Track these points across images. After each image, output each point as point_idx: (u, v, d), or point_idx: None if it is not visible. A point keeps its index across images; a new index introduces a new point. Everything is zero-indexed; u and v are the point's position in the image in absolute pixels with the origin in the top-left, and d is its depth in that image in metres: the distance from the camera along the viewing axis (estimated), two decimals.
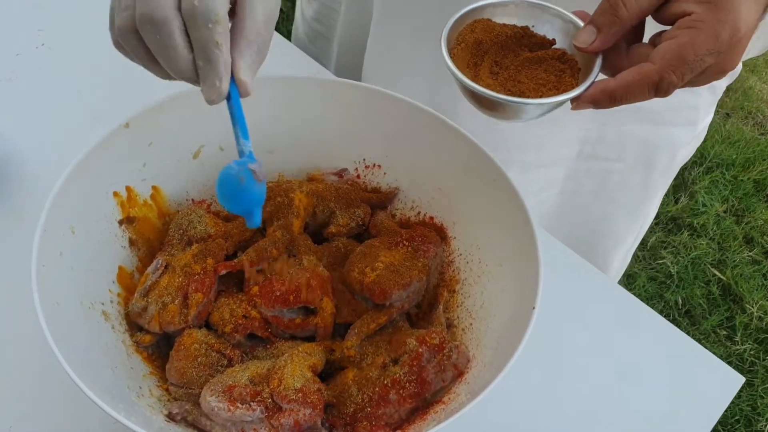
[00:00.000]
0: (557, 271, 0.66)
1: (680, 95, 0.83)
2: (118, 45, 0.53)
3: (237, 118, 0.53)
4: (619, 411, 0.72)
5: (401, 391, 0.60)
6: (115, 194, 0.68)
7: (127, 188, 0.68)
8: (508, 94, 0.55)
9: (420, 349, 0.62)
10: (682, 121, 0.88)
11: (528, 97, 0.55)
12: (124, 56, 0.54)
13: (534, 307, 0.58)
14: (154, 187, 0.71)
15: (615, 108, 0.79)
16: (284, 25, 2.26)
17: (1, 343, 0.69)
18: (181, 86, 0.70)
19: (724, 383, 0.75)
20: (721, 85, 0.88)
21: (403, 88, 0.74)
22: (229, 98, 0.52)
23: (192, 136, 0.72)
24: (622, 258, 1.04)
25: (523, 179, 0.88)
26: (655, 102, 0.83)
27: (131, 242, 0.68)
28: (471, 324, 0.66)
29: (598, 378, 0.74)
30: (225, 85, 0.50)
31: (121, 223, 0.68)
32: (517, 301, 0.62)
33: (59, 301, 0.58)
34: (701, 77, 0.53)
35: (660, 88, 0.51)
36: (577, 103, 0.54)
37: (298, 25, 1.07)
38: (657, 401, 0.73)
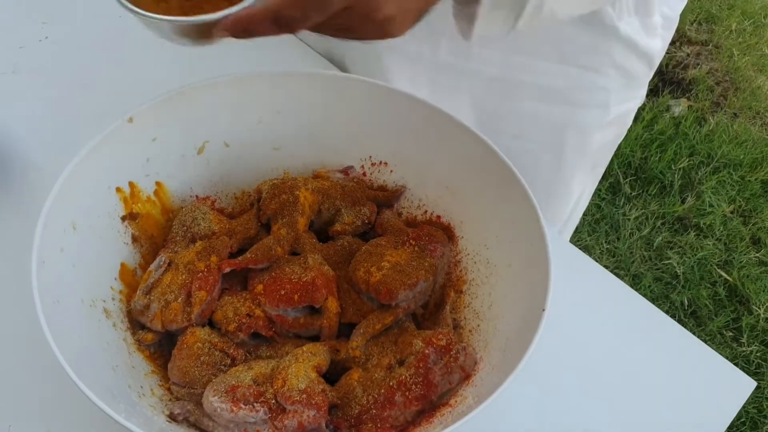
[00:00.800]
0: (564, 270, 0.65)
1: (588, 76, 0.84)
2: None
3: None
4: (627, 414, 0.71)
5: (407, 393, 0.59)
6: (118, 190, 0.67)
7: (131, 184, 0.67)
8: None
9: (426, 351, 0.61)
10: (592, 103, 0.87)
11: None
12: None
13: (544, 309, 0.57)
14: (157, 183, 0.70)
15: (513, 83, 0.78)
16: None
17: (0, 341, 0.68)
18: (185, 80, 0.69)
19: (736, 387, 0.73)
20: (634, 71, 0.86)
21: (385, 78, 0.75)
22: None
23: (196, 131, 0.71)
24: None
25: None
26: (560, 81, 0.83)
27: (134, 239, 0.67)
28: (478, 325, 0.65)
29: (607, 382, 0.72)
30: None
31: (123, 219, 0.67)
32: (526, 303, 0.60)
33: (59, 298, 0.57)
34: (339, 24, 0.53)
35: (280, 22, 0.51)
36: (216, 29, 0.54)
37: None
38: (667, 405, 0.71)
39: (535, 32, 0.71)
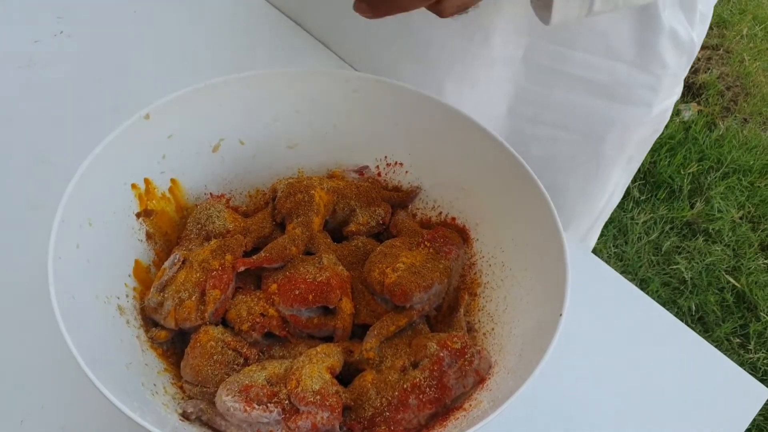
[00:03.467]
0: (580, 276, 0.65)
1: (634, 72, 0.84)
2: None
3: None
4: (638, 422, 0.70)
5: (421, 396, 0.59)
6: (134, 186, 0.66)
7: (146, 180, 0.67)
8: None
9: (441, 354, 0.60)
10: (635, 101, 0.86)
11: None
12: None
13: (561, 315, 0.56)
14: (172, 180, 0.69)
15: (559, 74, 0.78)
16: None
17: (13, 336, 0.68)
18: (202, 77, 0.69)
19: (749, 395, 0.73)
20: (676, 67, 0.86)
21: (393, 74, 0.74)
22: None
23: (212, 129, 0.71)
24: (577, 241, 1.02)
25: None
26: (604, 75, 0.83)
27: (148, 236, 0.67)
28: (493, 329, 0.65)
29: (619, 388, 0.72)
30: None
31: (138, 215, 0.67)
32: (542, 308, 0.60)
33: (75, 294, 0.57)
34: None
35: None
36: None
37: None
38: (679, 413, 0.71)
39: (586, 24, 0.71)
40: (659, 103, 0.88)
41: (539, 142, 0.91)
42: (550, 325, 0.57)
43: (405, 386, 0.59)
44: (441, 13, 0.56)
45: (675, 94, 0.91)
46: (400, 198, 0.74)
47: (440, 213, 0.73)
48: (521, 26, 0.81)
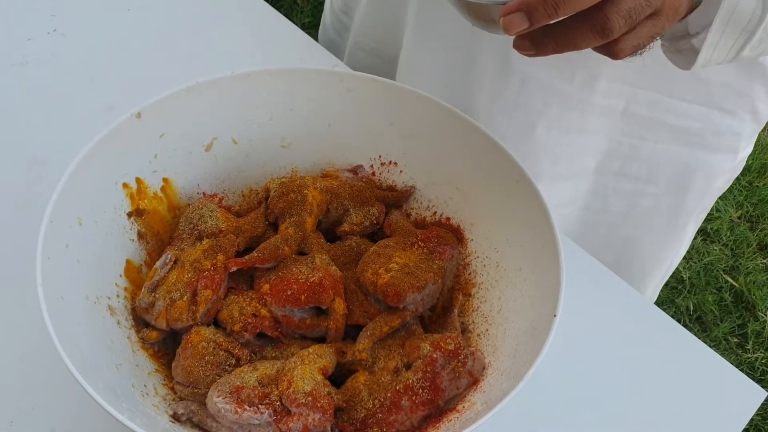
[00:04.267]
0: (575, 277, 0.64)
1: (726, 119, 0.81)
2: None
3: None
4: (635, 423, 0.70)
5: (414, 398, 0.58)
6: (125, 185, 0.66)
7: (137, 180, 0.67)
8: None
9: (434, 355, 0.60)
10: (723, 148, 0.83)
11: None
12: None
13: (555, 315, 0.56)
14: (164, 180, 0.69)
15: (648, 123, 0.73)
16: (297, 17, 2.24)
17: (3, 337, 0.67)
18: (195, 75, 0.68)
19: (746, 396, 0.72)
20: (764, 114, 0.83)
21: (435, 89, 0.72)
22: None
23: (205, 128, 0.70)
24: (650, 291, 0.99)
25: (550, 191, 0.86)
26: (697, 123, 0.80)
27: (140, 235, 0.67)
28: (487, 330, 0.64)
29: (617, 390, 0.71)
30: None
31: (130, 215, 0.66)
32: (536, 308, 0.60)
33: (64, 295, 0.56)
34: (637, 29, 0.50)
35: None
36: (507, 11, 0.48)
37: (327, 15, 1.05)
38: (675, 414, 0.70)
39: (691, 72, 0.66)
40: (743, 149, 0.86)
41: (620, 197, 0.87)
42: (544, 326, 0.56)
43: (398, 387, 0.59)
44: (615, 55, 0.51)
45: (753, 142, 0.88)
46: (395, 198, 0.73)
47: (435, 213, 0.73)
48: (627, 74, 0.76)
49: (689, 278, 1.94)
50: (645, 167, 0.85)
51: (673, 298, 1.89)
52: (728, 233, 2.05)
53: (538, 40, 0.50)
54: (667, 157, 0.83)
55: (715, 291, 1.93)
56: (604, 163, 0.85)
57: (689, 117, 0.80)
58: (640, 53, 0.53)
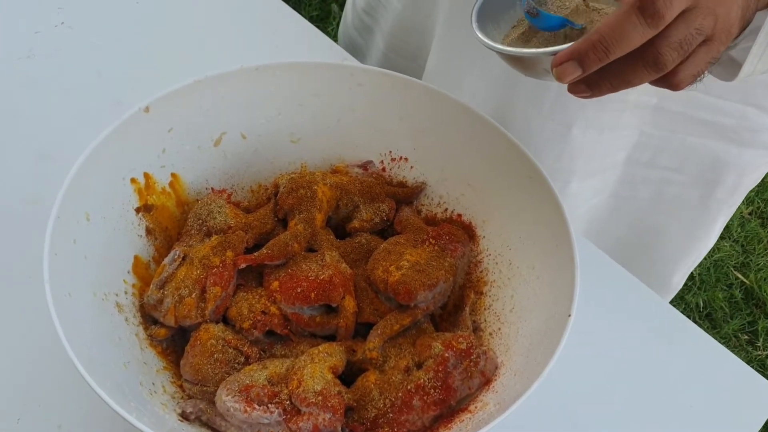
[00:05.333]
0: (588, 274, 0.63)
1: (761, 116, 0.80)
2: None
3: None
4: (653, 425, 0.69)
5: (425, 398, 0.57)
6: (133, 181, 0.65)
7: (146, 175, 0.66)
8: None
9: (446, 354, 0.59)
10: (758, 144, 0.83)
11: None
12: None
13: (570, 315, 0.55)
14: (173, 175, 0.68)
15: (685, 119, 0.70)
16: (305, 11, 2.23)
17: (10, 334, 0.67)
18: (204, 70, 0.67)
19: (762, 397, 0.71)
20: None
21: (468, 92, 0.71)
22: None
23: (213, 122, 0.69)
24: (676, 281, 0.99)
25: (582, 188, 0.85)
26: (732, 119, 0.79)
27: (148, 231, 0.66)
28: (499, 328, 0.63)
29: (629, 389, 0.70)
30: None
31: (138, 210, 0.65)
32: (550, 307, 0.59)
33: (71, 291, 0.56)
34: (691, 58, 0.49)
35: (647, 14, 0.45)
36: (558, 61, 0.49)
37: (348, 13, 1.04)
38: (694, 415, 0.69)
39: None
40: None
41: (648, 185, 0.87)
42: (558, 326, 0.55)
43: (409, 387, 0.58)
44: (675, 87, 0.50)
45: None
46: (405, 194, 0.72)
47: (446, 209, 0.72)
48: None
49: (699, 275, 1.92)
50: (675, 158, 0.84)
51: (682, 295, 1.88)
52: (739, 229, 2.03)
53: (593, 82, 0.49)
54: (698, 149, 0.83)
55: (725, 288, 1.91)
56: (634, 154, 0.84)
57: (724, 113, 0.79)
58: (700, 80, 0.52)
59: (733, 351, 1.75)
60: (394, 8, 0.92)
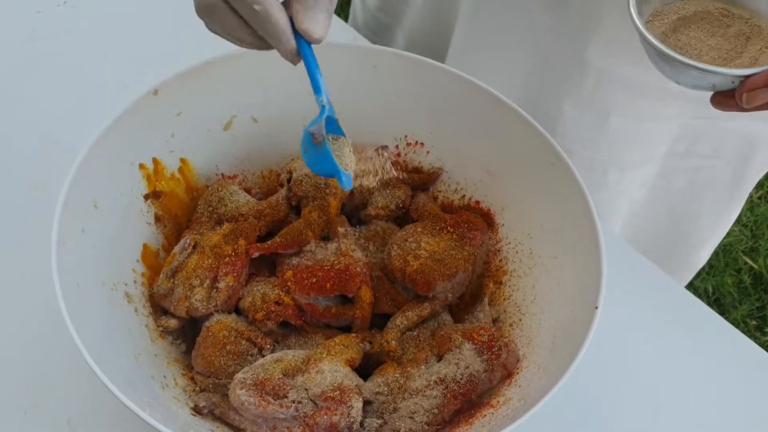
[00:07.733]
0: (614, 267, 0.61)
1: None
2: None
3: (308, 70, 0.50)
4: (679, 420, 0.67)
5: (446, 392, 0.56)
6: (141, 166, 0.63)
7: (154, 160, 0.64)
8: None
9: (467, 346, 0.57)
10: None
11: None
12: None
13: (597, 307, 0.53)
14: (182, 160, 0.66)
15: None
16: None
17: (18, 325, 0.65)
18: (213, 52, 0.65)
19: None
20: None
21: (498, 82, 0.69)
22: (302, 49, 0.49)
23: (223, 105, 0.67)
24: (703, 259, 1.00)
25: (621, 179, 0.84)
26: None
27: (157, 218, 0.64)
28: (520, 320, 0.61)
29: (661, 387, 0.68)
30: (288, 44, 0.48)
31: (147, 197, 0.63)
32: (575, 299, 0.57)
33: (80, 281, 0.54)
34: None
35: None
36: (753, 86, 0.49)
37: (357, 12, 1.01)
38: (718, 408, 0.67)
39: None
40: None
41: (683, 173, 0.87)
42: (584, 318, 0.53)
43: (429, 380, 0.56)
44: None
45: None
46: (421, 180, 0.70)
47: (463, 196, 0.70)
48: None
49: (708, 260, 1.91)
50: (711, 144, 0.83)
51: (691, 280, 1.86)
52: (748, 213, 2.01)
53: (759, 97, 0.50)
54: (734, 133, 0.82)
55: (734, 273, 1.90)
56: (673, 147, 0.83)
57: None
58: None
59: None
60: (416, 4, 0.90)
